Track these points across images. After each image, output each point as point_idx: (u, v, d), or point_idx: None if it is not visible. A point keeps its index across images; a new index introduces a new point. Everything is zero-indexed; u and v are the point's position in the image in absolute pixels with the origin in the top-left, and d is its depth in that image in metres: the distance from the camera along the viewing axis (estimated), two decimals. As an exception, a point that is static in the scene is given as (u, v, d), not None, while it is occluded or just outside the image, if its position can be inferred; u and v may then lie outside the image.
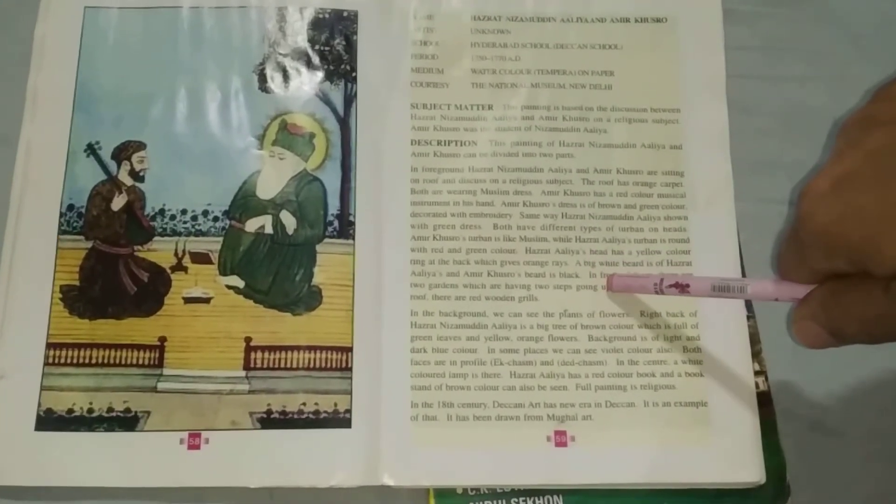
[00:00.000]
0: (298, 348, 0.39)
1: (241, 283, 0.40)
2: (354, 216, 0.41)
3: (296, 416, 0.38)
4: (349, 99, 0.43)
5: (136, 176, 0.41)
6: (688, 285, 0.35)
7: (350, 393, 0.39)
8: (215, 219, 0.41)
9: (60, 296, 0.40)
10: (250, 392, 0.39)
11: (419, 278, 0.40)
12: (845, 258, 0.29)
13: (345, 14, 0.44)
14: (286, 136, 0.42)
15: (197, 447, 0.38)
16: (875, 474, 0.40)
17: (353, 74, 0.43)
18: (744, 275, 0.41)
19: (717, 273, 0.40)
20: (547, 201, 0.41)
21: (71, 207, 0.41)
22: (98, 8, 0.43)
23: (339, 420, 0.38)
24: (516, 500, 0.38)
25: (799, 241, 0.31)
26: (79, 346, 0.39)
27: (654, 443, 0.38)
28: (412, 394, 0.38)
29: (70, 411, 0.38)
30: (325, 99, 0.43)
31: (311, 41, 0.43)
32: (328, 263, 0.40)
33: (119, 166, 0.41)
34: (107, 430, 0.38)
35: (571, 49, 0.44)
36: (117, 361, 0.39)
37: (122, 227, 0.41)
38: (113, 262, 0.40)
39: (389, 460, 0.37)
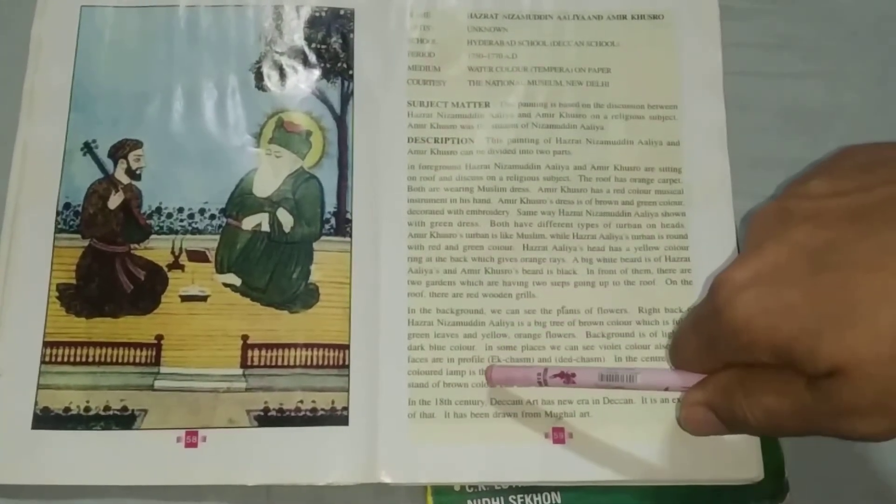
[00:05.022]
0: (295, 346, 0.39)
1: (237, 281, 0.40)
2: (351, 214, 0.41)
3: (293, 414, 0.38)
4: (346, 97, 0.43)
5: (132, 174, 0.41)
6: (573, 375, 0.33)
7: (347, 390, 0.38)
8: (212, 217, 0.41)
9: (57, 294, 0.39)
10: (247, 390, 0.39)
11: (416, 275, 0.40)
12: (769, 353, 0.27)
13: (341, 12, 0.44)
14: (283, 134, 0.42)
15: (194, 445, 0.38)
16: (873, 471, 0.40)
17: (350, 72, 0.43)
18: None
19: (714, 267, 0.40)
20: (544, 198, 0.41)
21: (67, 206, 0.41)
22: (94, 7, 0.43)
23: (337, 418, 0.38)
24: (514, 497, 0.38)
25: (707, 331, 0.30)
26: (75, 344, 0.39)
27: (651, 439, 0.38)
28: (409, 391, 0.38)
29: (67, 410, 0.38)
30: (322, 97, 0.43)
31: (308, 39, 0.43)
32: (325, 261, 0.40)
33: (116, 165, 0.41)
34: (104, 428, 0.38)
35: (568, 46, 0.44)
36: (114, 360, 0.39)
37: (119, 225, 0.41)
38: (109, 261, 0.40)
39: (387, 458, 0.37)
